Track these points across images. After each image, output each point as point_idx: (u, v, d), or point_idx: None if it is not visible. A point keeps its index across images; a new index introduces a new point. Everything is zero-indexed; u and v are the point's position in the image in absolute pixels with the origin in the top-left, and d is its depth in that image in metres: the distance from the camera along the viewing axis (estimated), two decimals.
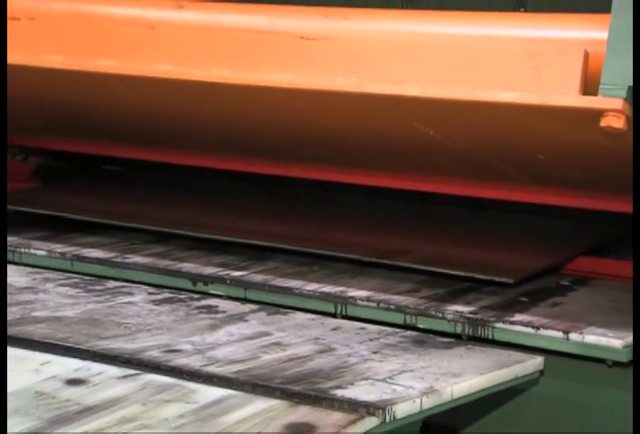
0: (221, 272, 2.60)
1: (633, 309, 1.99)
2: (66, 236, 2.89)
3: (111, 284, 2.64)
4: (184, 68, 2.46)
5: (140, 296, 2.56)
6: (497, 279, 2.36)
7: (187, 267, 2.65)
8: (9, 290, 2.58)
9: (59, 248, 2.79)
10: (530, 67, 2.15)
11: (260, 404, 1.92)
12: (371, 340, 2.27)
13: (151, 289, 2.60)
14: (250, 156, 3.00)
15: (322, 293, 2.44)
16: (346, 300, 2.40)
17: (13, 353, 2.17)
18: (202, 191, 3.26)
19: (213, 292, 2.56)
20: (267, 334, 2.30)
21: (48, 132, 3.27)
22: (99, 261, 2.72)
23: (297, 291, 2.48)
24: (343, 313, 2.40)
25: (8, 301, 2.48)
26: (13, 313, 2.40)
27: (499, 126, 2.28)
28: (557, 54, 2.14)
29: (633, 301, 1.99)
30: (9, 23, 2.67)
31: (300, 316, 2.42)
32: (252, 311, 2.46)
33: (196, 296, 2.56)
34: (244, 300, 2.51)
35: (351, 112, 2.40)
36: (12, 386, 2.00)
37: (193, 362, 2.11)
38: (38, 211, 2.99)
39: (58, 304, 2.49)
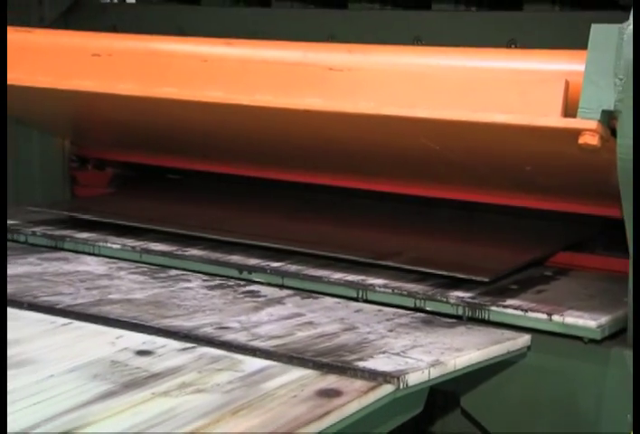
0: (263, 263, 2.60)
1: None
2: (136, 233, 2.89)
3: (172, 272, 2.65)
4: (232, 94, 2.45)
5: (196, 282, 2.57)
6: (474, 278, 2.34)
7: (234, 259, 2.65)
8: (88, 277, 2.60)
9: (130, 242, 2.80)
10: (519, 93, 2.14)
11: (295, 373, 1.93)
12: (387, 320, 2.27)
13: (205, 277, 2.61)
14: (284, 166, 3.00)
15: (346, 281, 2.45)
16: (366, 287, 2.40)
17: (93, 328, 2.20)
18: (242, 195, 3.25)
19: (256, 280, 2.56)
20: (300, 314, 2.31)
21: (121, 146, 3.29)
22: (163, 253, 2.73)
23: (326, 279, 2.48)
24: (364, 298, 2.40)
25: (89, 286, 2.51)
26: (93, 295, 2.42)
27: (492, 142, 2.27)
28: (542, 83, 2.13)
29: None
30: (92, 58, 2.69)
31: (328, 300, 2.42)
32: (288, 296, 2.46)
33: (242, 282, 2.56)
34: (281, 287, 2.52)
35: (369, 130, 2.39)
36: (92, 356, 2.02)
37: (240, 337, 2.12)
38: (111, 220, 2.97)
39: (129, 288, 2.50)
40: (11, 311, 2.30)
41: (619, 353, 2.14)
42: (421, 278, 2.47)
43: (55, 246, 2.85)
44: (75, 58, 2.74)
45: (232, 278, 2.59)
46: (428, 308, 2.32)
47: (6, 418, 1.47)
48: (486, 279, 2.33)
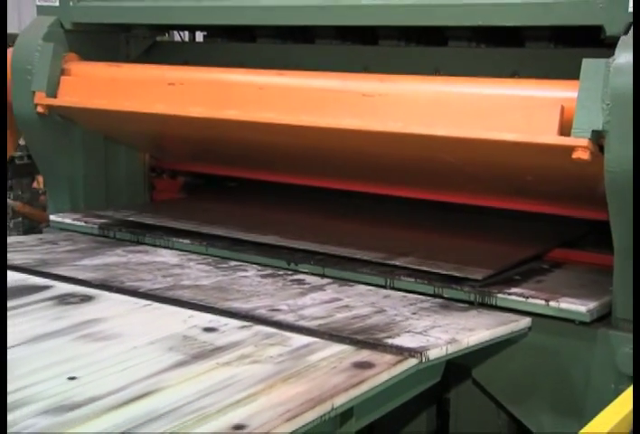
0: (307, 256, 2.59)
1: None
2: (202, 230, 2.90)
3: (232, 263, 2.65)
4: (283, 116, 2.46)
5: (252, 272, 2.57)
6: (470, 277, 2.29)
7: (284, 252, 2.64)
8: (164, 266, 2.61)
9: (198, 238, 2.80)
10: (522, 116, 2.13)
11: (335, 348, 1.93)
12: (411, 305, 2.26)
13: (259, 267, 2.60)
14: (323, 175, 2.99)
15: (377, 271, 2.43)
16: (394, 276, 2.39)
17: (168, 309, 2.21)
18: (287, 199, 3.22)
19: (302, 270, 2.55)
20: (338, 299, 2.30)
21: (190, 159, 3.30)
22: (224, 247, 2.72)
23: (359, 270, 2.46)
24: (391, 285, 2.38)
25: (165, 274, 2.53)
26: (168, 281, 2.44)
27: (499, 156, 2.26)
28: (541, 108, 2.12)
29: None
30: (168, 87, 2.72)
31: (361, 288, 2.41)
32: (328, 283, 2.45)
33: (290, 272, 2.55)
34: (322, 276, 2.50)
35: (396, 146, 2.39)
36: (167, 332, 2.04)
37: (289, 318, 2.13)
38: (178, 226, 2.94)
39: (197, 276, 2.51)
40: (102, 293, 2.33)
41: (605, 333, 2.13)
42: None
43: (137, 241, 2.87)
44: (154, 87, 2.77)
45: (282, 268, 2.58)
46: (445, 295, 2.30)
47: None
48: (479, 278, 2.29)
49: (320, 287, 2.41)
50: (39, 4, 3.01)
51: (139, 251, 2.78)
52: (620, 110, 1.98)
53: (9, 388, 1.70)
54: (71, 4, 2.97)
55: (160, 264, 2.62)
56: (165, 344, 1.95)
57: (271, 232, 2.77)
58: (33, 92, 2.91)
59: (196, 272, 2.54)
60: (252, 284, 2.43)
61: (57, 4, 2.98)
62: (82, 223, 2.97)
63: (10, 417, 1.58)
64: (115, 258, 2.69)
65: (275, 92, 2.54)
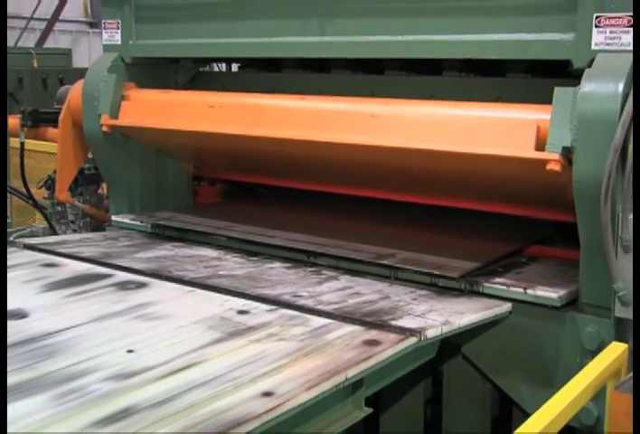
0: (323, 251, 2.55)
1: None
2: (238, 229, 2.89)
3: (261, 257, 2.63)
4: (305, 133, 2.46)
5: (277, 264, 2.55)
6: (447, 275, 2.24)
7: (304, 247, 2.60)
8: (205, 259, 2.59)
9: (233, 235, 2.79)
10: (504, 134, 2.12)
11: (347, 328, 1.93)
12: (411, 292, 2.26)
13: (283, 260, 2.58)
14: (337, 183, 2.95)
15: (383, 264, 2.40)
16: (397, 269, 2.37)
17: (208, 295, 2.21)
18: (308, 203, 3.16)
19: (319, 263, 2.54)
20: (350, 287, 2.30)
21: (227, 169, 3.29)
22: (255, 244, 2.68)
23: (368, 263, 2.43)
24: (395, 276, 2.37)
25: (205, 265, 2.52)
26: (208, 271, 2.43)
27: (485, 167, 2.24)
28: (521, 127, 2.11)
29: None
30: (208, 109, 2.71)
31: (370, 278, 2.39)
32: (341, 274, 2.44)
33: (309, 264, 2.54)
34: (337, 268, 2.49)
35: (399, 158, 2.38)
36: (208, 313, 2.04)
37: (309, 302, 2.12)
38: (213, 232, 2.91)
39: (232, 267, 2.51)
40: (154, 281, 2.33)
41: (572, 315, 2.12)
42: None
43: (182, 237, 2.86)
44: (197, 109, 2.76)
45: (302, 261, 2.56)
46: (440, 284, 2.28)
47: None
48: (456, 276, 2.23)
49: (335, 277, 2.40)
50: (105, 43, 3.03)
51: (184, 246, 2.77)
52: (585, 130, 1.98)
53: (78, 358, 1.72)
54: (131, 42, 2.98)
55: (201, 257, 2.62)
56: (206, 323, 1.95)
57: (293, 231, 2.75)
58: (99, 115, 2.92)
59: (231, 264, 2.54)
60: (278, 274, 2.42)
61: (119, 42, 2.99)
62: (138, 223, 2.97)
63: (79, 382, 1.60)
64: (164, 251, 2.69)
65: (297, 114, 2.53)
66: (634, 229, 1.94)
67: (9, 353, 1.74)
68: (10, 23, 15.33)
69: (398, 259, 2.41)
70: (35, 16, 14.96)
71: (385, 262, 2.39)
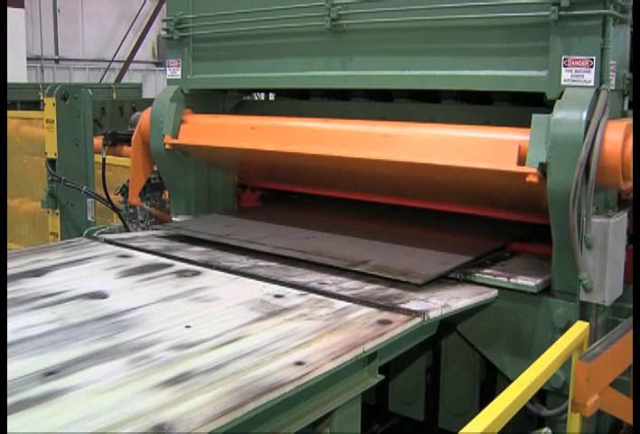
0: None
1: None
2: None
3: None
4: (329, 149, 2.46)
5: None
6: (411, 281, 2.07)
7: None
8: (247, 252, 2.50)
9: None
10: (492, 151, 2.12)
11: (364, 310, 1.92)
12: None
13: None
14: (356, 191, 2.92)
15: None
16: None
17: (250, 281, 2.19)
18: (331, 208, 3.11)
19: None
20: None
21: (264, 179, 3.29)
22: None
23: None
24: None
25: (247, 257, 2.46)
26: (249, 263, 2.40)
27: (476, 178, 2.23)
28: (505, 145, 2.10)
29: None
30: (250, 130, 2.71)
31: None
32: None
33: None
34: None
35: (406, 170, 2.36)
36: (249, 297, 2.03)
37: (332, 289, 2.11)
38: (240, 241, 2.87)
39: (269, 259, 2.46)
40: (206, 270, 2.31)
41: (546, 300, 2.11)
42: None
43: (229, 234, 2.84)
44: (241, 130, 2.77)
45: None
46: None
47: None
48: (419, 282, 2.07)
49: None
50: (168, 77, 3.06)
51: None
52: (557, 149, 1.97)
53: (147, 331, 1.73)
54: (188, 77, 3.01)
55: (244, 250, 2.58)
56: (248, 305, 1.96)
57: (319, 230, 2.72)
58: (163, 135, 2.95)
59: (268, 256, 2.50)
60: (306, 265, 2.38)
61: (179, 77, 3.02)
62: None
63: (148, 350, 1.61)
64: (212, 247, 2.65)
65: (322, 134, 2.53)
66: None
67: (95, 325, 1.76)
68: (97, 65, 15.99)
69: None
70: (115, 59, 15.96)
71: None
